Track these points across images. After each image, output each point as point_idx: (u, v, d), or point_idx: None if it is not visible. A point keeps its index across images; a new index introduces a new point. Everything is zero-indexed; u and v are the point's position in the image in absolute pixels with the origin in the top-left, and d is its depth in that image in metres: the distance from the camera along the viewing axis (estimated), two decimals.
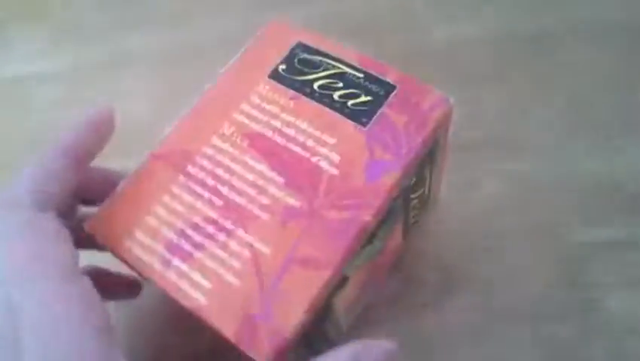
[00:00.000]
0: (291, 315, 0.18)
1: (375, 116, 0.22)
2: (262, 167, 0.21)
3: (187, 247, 0.20)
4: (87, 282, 0.18)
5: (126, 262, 0.20)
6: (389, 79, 0.23)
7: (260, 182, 0.21)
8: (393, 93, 0.22)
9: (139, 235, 0.21)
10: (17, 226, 0.18)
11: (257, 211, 0.20)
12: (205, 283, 0.19)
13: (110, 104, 0.22)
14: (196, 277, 0.19)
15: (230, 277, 0.19)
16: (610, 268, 0.28)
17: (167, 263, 0.20)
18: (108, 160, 0.25)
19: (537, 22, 0.36)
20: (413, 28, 0.37)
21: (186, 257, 0.20)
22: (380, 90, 0.22)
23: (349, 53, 0.23)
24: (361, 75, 0.23)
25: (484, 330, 0.27)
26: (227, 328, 0.19)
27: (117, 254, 0.21)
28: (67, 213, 0.23)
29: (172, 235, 0.20)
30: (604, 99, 0.33)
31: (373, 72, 0.23)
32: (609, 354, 0.25)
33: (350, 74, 0.23)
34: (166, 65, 0.38)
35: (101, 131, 0.21)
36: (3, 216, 0.18)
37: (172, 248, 0.20)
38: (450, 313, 0.27)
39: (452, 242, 0.29)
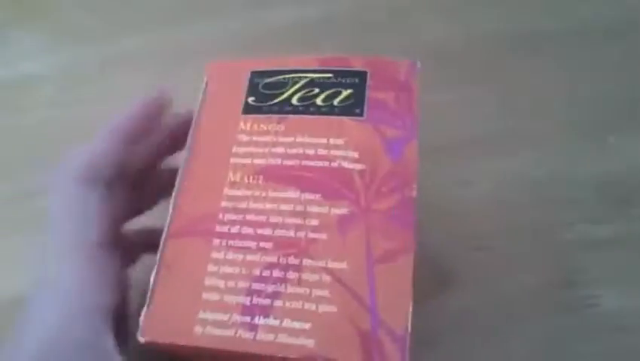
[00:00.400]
0: (401, 308, 0.18)
1: (366, 104, 0.22)
2: (291, 194, 0.20)
3: (263, 301, 0.18)
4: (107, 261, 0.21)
5: (205, 350, 0.18)
6: (356, 67, 0.23)
7: (298, 207, 0.20)
8: (368, 77, 0.23)
9: (205, 315, 0.18)
10: (62, 209, 0.21)
11: (312, 235, 0.19)
12: (303, 325, 0.18)
13: (165, 89, 0.25)
14: (290, 324, 0.18)
15: (325, 307, 0.18)
16: (605, 265, 0.28)
17: (252, 327, 0.18)
18: None
19: (534, 22, 0.36)
20: (407, 29, 0.37)
21: (268, 311, 0.18)
22: (355, 79, 0.22)
23: (305, 60, 0.23)
24: (330, 74, 0.23)
25: (478, 329, 0.26)
26: (351, 356, 0.17)
27: (189, 347, 0.18)
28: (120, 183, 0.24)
29: (240, 298, 0.19)
30: (600, 98, 0.33)
31: (339, 67, 0.23)
32: (604, 351, 0.26)
33: (319, 77, 0.23)
34: (163, 64, 0.37)
35: (149, 112, 0.24)
36: (52, 195, 0.21)
37: (248, 310, 0.18)
38: (444, 312, 0.27)
39: (445, 240, 0.29)
